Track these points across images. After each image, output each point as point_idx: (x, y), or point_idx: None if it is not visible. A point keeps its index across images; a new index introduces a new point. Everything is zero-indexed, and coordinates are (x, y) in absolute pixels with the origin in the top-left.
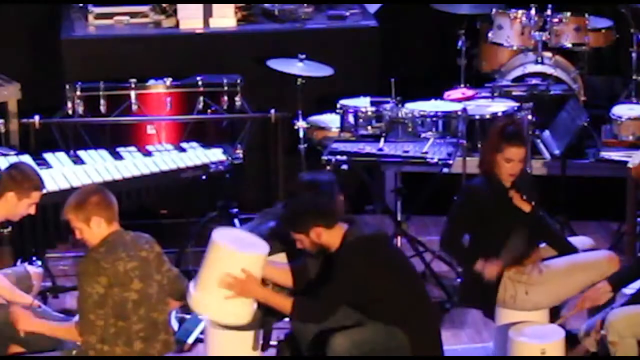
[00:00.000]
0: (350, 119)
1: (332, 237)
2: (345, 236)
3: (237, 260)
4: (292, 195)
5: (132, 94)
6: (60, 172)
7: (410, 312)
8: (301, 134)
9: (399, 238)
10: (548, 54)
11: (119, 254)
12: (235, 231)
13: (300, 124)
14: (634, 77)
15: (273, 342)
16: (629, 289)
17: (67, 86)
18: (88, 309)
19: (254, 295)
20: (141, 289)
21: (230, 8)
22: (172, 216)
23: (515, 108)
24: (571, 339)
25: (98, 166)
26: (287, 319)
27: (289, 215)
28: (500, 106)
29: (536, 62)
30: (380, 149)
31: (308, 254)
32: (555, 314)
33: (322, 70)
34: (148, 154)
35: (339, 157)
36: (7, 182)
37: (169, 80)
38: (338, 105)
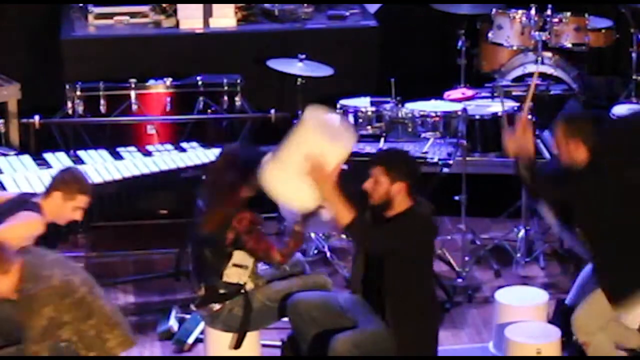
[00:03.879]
0: (350, 119)
1: (403, 201)
2: (410, 208)
3: (324, 149)
4: None
5: (132, 94)
6: None
7: (421, 305)
8: None
9: None
10: (548, 54)
11: (44, 275)
12: (325, 116)
13: None
14: (634, 77)
15: (276, 343)
16: None
17: (67, 86)
18: (52, 336)
19: (326, 188)
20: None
21: (230, 8)
22: (172, 216)
23: (515, 108)
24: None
25: (98, 166)
26: (286, 319)
27: (394, 153)
28: (500, 106)
29: (536, 62)
30: (380, 149)
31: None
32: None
33: (322, 70)
34: (148, 154)
35: None
36: (57, 181)
37: (169, 80)
38: (338, 105)
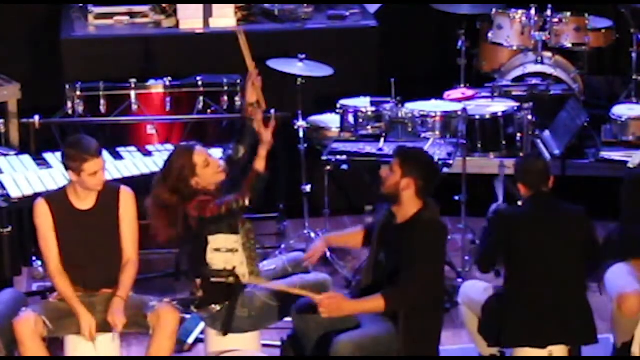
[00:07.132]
0: (350, 119)
1: (411, 202)
2: (418, 213)
3: None
4: None
5: (132, 94)
6: (60, 172)
7: (436, 307)
8: (301, 134)
9: None
10: (548, 54)
11: None
12: None
13: (300, 124)
14: (634, 77)
15: (276, 343)
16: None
17: (67, 86)
18: None
19: (346, 313)
20: None
21: (230, 8)
22: None
23: (515, 108)
24: None
25: None
26: (288, 319)
27: (415, 151)
28: (500, 106)
29: (536, 62)
30: (380, 149)
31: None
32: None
33: (322, 70)
34: (148, 154)
35: (339, 157)
36: (65, 159)
37: (169, 80)
38: (338, 105)
